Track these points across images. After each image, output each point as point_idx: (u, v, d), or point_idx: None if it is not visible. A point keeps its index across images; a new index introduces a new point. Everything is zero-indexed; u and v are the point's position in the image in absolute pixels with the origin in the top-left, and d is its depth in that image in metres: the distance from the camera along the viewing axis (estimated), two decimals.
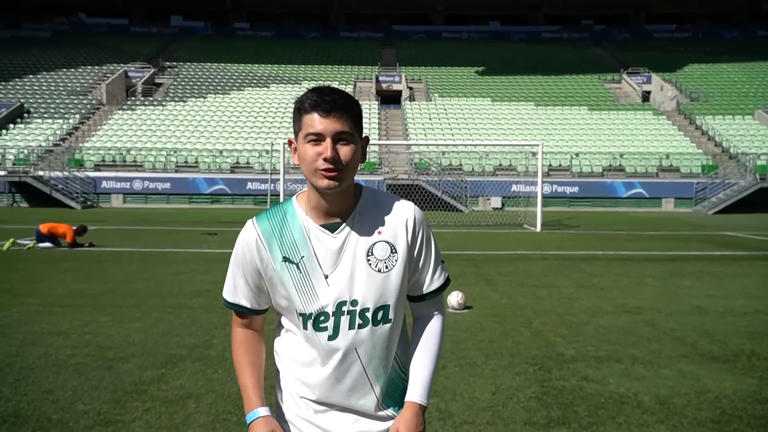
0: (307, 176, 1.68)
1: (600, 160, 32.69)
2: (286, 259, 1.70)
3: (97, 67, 42.70)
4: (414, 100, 40.85)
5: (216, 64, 45.14)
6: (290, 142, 1.76)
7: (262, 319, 1.89)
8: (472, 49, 49.69)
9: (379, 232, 1.72)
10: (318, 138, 1.64)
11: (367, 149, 1.81)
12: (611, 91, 42.40)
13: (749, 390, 4.70)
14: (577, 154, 33.17)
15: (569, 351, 5.72)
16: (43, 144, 32.48)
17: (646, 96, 42.06)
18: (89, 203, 29.76)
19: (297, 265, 1.69)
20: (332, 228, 1.71)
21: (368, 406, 1.76)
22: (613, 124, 36.92)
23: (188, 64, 45.43)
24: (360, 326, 1.70)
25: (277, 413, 1.86)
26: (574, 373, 5.07)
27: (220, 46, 49.20)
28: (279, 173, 20.61)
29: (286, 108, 38.42)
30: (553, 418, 4.13)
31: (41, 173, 29.13)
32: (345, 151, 1.66)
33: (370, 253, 1.70)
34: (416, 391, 1.76)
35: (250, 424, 1.79)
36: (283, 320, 1.83)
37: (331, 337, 1.70)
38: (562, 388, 4.71)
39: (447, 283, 1.86)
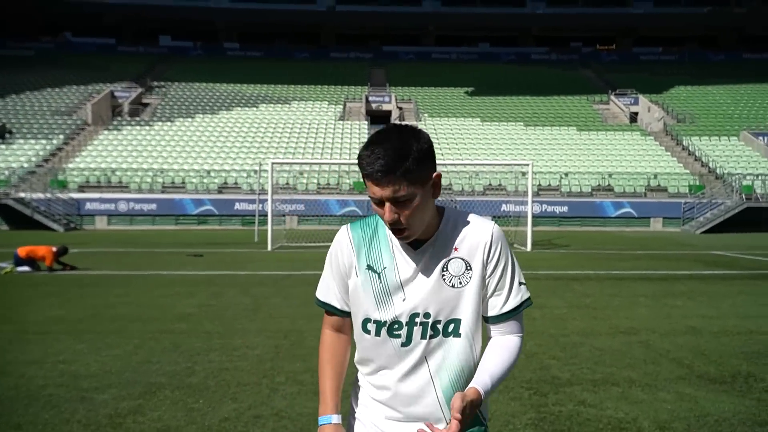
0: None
1: (589, 180, 32.76)
2: (369, 267, 1.80)
3: (82, 87, 42.46)
4: (404, 120, 40.89)
5: (205, 84, 45.05)
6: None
7: (350, 324, 1.94)
8: (462, 70, 49.96)
9: (456, 249, 1.79)
10: (380, 202, 1.71)
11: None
12: (599, 112, 42.68)
13: (748, 412, 4.56)
14: (566, 174, 33.23)
15: (564, 374, 5.55)
16: (26, 165, 32.02)
17: (633, 117, 42.37)
18: (72, 225, 29.36)
19: (379, 274, 1.79)
20: (415, 246, 1.79)
21: (430, 412, 1.80)
22: (601, 144, 37.09)
23: (176, 83, 45.31)
24: (431, 336, 1.78)
25: (350, 413, 1.96)
26: (571, 398, 4.89)
27: (209, 66, 49.16)
28: (267, 194, 20.39)
29: (275, 127, 38.32)
30: None
31: (23, 195, 28.68)
32: (405, 212, 1.70)
33: (445, 269, 1.77)
34: (482, 378, 1.75)
35: (320, 426, 1.88)
36: (362, 330, 1.87)
37: (404, 344, 1.79)
38: (559, 414, 4.53)
39: (524, 303, 1.87)
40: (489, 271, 1.80)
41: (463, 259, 1.79)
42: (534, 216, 21.56)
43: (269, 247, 18.61)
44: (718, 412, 4.56)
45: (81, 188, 30.83)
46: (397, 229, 1.72)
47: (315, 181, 32.24)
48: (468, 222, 1.84)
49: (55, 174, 31.47)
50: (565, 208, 31.57)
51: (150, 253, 17.52)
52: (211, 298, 9.62)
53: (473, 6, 55.37)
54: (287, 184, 31.49)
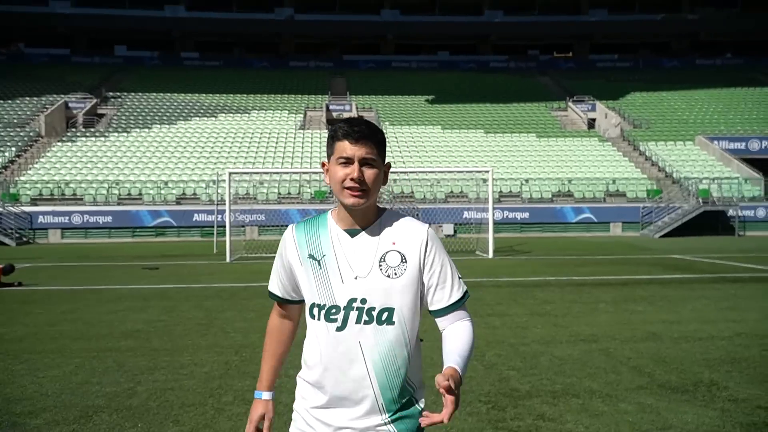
0: (336, 194, 1.92)
1: (549, 186, 33.03)
2: (311, 256, 1.95)
3: (35, 98, 41.25)
4: None
5: (162, 94, 44.22)
6: (323, 165, 2.01)
7: (297, 312, 2.14)
8: (422, 78, 50.12)
9: (394, 243, 1.93)
10: (347, 161, 1.88)
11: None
12: (558, 119, 43.18)
13: (712, 423, 4.44)
14: (527, 180, 33.46)
15: (524, 386, 5.38)
16: None
17: (591, 123, 42.98)
18: (25, 239, 28.38)
19: (318, 262, 1.93)
20: (352, 233, 1.94)
21: (361, 397, 1.89)
22: (561, 150, 37.48)
23: (133, 94, 44.38)
24: (366, 322, 1.88)
25: (294, 414, 2.06)
26: (530, 411, 4.72)
27: (166, 75, 48.31)
28: (225, 204, 19.97)
29: (234, 137, 37.76)
30: None
31: None
32: (369, 173, 1.89)
33: (382, 260, 1.91)
34: (454, 358, 1.86)
35: (253, 401, 2.09)
36: (307, 319, 2.01)
37: (339, 329, 1.89)
38: (517, 429, 4.36)
39: (466, 294, 2.03)
40: (429, 268, 1.95)
41: (399, 252, 1.93)
42: (496, 222, 21.58)
43: (228, 259, 18.19)
44: (681, 424, 4.44)
45: (34, 201, 29.85)
46: (358, 189, 1.87)
47: (275, 190, 31.81)
48: (405, 221, 2.00)
49: (6, 187, 30.43)
50: (526, 215, 31.75)
51: (104, 266, 16.95)
52: (163, 312, 9.25)
53: (432, 15, 55.67)
54: (247, 194, 31.01)
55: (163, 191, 31.13)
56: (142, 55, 53.69)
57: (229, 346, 6.95)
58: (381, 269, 1.91)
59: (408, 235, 1.95)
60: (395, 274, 1.91)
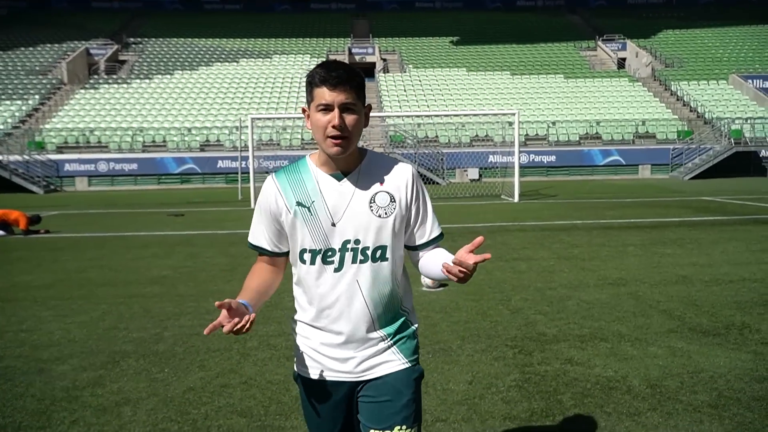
0: (319, 141, 1.92)
1: (576, 129, 32.36)
2: (299, 204, 1.95)
3: (57, 45, 41.17)
4: (388, 72, 40.08)
5: (183, 39, 43.80)
6: (304, 110, 1.98)
7: (283, 262, 2.12)
8: (446, 19, 48.86)
9: (381, 184, 1.98)
10: (327, 108, 1.87)
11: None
12: (587, 59, 41.97)
13: (744, 367, 4.32)
14: (553, 123, 32.80)
15: (551, 330, 5.30)
16: (1, 127, 31.20)
17: (621, 63, 41.73)
18: (52, 187, 28.77)
19: (308, 208, 1.94)
20: (338, 177, 1.96)
21: (363, 329, 1.97)
22: (589, 91, 36.55)
23: (153, 39, 44.03)
24: (362, 261, 1.95)
25: (294, 349, 2.12)
26: (557, 356, 4.65)
27: (186, 20, 47.76)
28: (249, 150, 19.89)
29: (256, 83, 37.44)
30: (536, 411, 3.71)
31: (0, 158, 27.99)
32: (350, 119, 1.88)
33: (372, 201, 1.95)
34: (447, 256, 1.99)
35: None
36: (298, 263, 2.02)
37: (336, 270, 1.95)
38: (545, 374, 4.29)
39: (442, 234, 2.12)
40: (414, 206, 2.02)
41: (388, 193, 1.98)
42: (521, 166, 21.29)
43: (252, 205, 18.23)
44: (712, 368, 4.33)
45: (59, 149, 30.12)
46: (339, 136, 1.86)
47: (299, 136, 31.65)
48: (389, 162, 2.04)
49: (32, 135, 30.70)
50: (552, 158, 31.26)
51: (130, 213, 17.12)
52: (188, 259, 9.30)
53: None
54: (270, 140, 30.91)
55: (186, 138, 31.16)
56: (162, 0, 52.98)
57: None
58: (372, 209, 1.95)
59: (395, 175, 2.01)
60: (386, 213, 1.96)
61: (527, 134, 31.62)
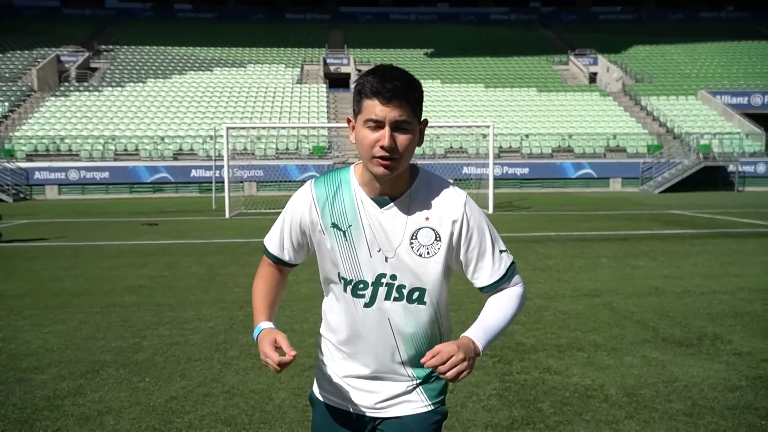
0: (364, 160, 1.70)
1: (549, 141, 32.82)
2: (334, 225, 1.76)
3: (27, 52, 40.51)
4: None
5: (156, 48, 43.44)
6: (349, 120, 1.78)
7: (289, 271, 2.01)
8: (421, 31, 49.28)
9: (427, 219, 1.76)
10: (377, 125, 1.65)
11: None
12: (559, 73, 42.65)
13: (717, 377, 4.45)
14: (527, 136, 33.22)
15: (529, 340, 5.40)
16: None
17: (593, 77, 42.50)
18: (22, 195, 28.25)
19: (344, 233, 1.75)
20: (381, 203, 1.75)
21: (390, 367, 1.82)
22: (561, 105, 37.13)
23: (126, 47, 43.59)
24: (396, 299, 1.76)
25: (317, 365, 1.99)
26: (536, 365, 4.74)
27: (160, 28, 47.40)
28: (223, 159, 19.80)
29: (230, 92, 37.28)
30: (516, 419, 3.78)
31: None
32: (402, 139, 1.66)
33: (414, 237, 1.74)
34: (477, 330, 1.76)
35: (256, 338, 1.81)
36: (327, 284, 1.89)
37: (367, 305, 1.78)
38: (524, 383, 4.37)
39: (510, 269, 1.86)
40: (464, 247, 1.79)
41: (433, 230, 1.76)
42: (495, 178, 21.49)
43: (227, 215, 18.14)
44: (686, 377, 4.45)
45: (29, 157, 29.62)
46: (388, 158, 1.65)
47: (273, 146, 31.57)
48: (440, 190, 1.79)
49: (1, 143, 30.13)
50: (526, 170, 31.64)
51: (102, 222, 16.90)
52: (164, 268, 9.23)
53: None
54: (245, 149, 30.77)
55: (159, 147, 30.87)
56: (135, 7, 52.66)
57: (232, 302, 6.95)
58: (413, 247, 1.75)
59: (442, 210, 1.77)
60: (428, 253, 1.75)
61: (501, 146, 31.98)
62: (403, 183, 1.76)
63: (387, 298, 1.77)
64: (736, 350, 5.06)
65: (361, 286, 1.78)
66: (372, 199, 1.76)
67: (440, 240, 1.76)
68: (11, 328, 5.88)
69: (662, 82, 39.88)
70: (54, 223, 16.86)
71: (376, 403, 1.86)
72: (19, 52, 40.58)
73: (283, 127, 32.26)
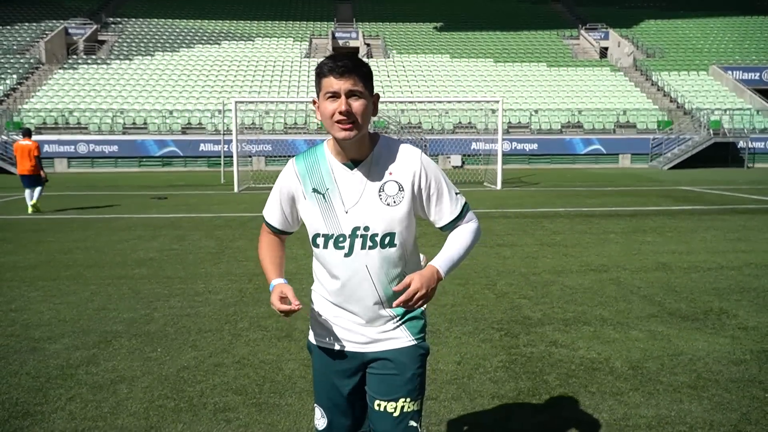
0: (328, 128, 2.01)
1: (559, 117, 32.59)
2: (315, 190, 2.07)
3: (35, 24, 40.41)
4: (371, 57, 39.96)
5: (163, 20, 43.22)
6: (314, 102, 2.08)
7: (285, 237, 2.32)
8: (431, 5, 48.70)
9: (390, 173, 2.05)
10: (334, 95, 1.96)
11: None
12: (569, 48, 42.18)
13: (722, 351, 4.48)
14: (536, 111, 33.00)
15: (536, 314, 5.44)
16: None
17: (603, 52, 42.00)
18: None
19: (323, 195, 2.06)
20: (350, 167, 2.05)
21: (373, 308, 2.09)
22: (571, 80, 36.78)
23: (133, 20, 43.38)
24: (370, 247, 2.04)
25: (311, 322, 2.26)
26: (542, 338, 4.78)
27: (167, 0, 47.06)
28: (232, 134, 19.80)
29: (238, 66, 37.13)
30: (523, 390, 3.83)
31: None
32: (357, 105, 1.96)
33: (381, 190, 2.03)
34: (438, 260, 2.08)
35: (271, 290, 2.14)
36: (314, 242, 2.13)
37: (346, 255, 2.05)
38: (531, 355, 4.41)
39: (464, 207, 2.17)
40: (425, 192, 2.09)
41: (396, 182, 2.05)
42: (504, 154, 21.43)
43: (236, 189, 18.20)
44: (691, 351, 4.49)
45: (38, 130, 29.64)
46: (347, 122, 1.95)
47: (281, 120, 31.51)
48: (399, 149, 2.10)
49: (10, 115, 30.20)
50: (534, 146, 31.49)
51: (112, 196, 16.99)
52: (174, 241, 9.31)
53: None
54: (253, 123, 30.75)
55: (168, 120, 30.87)
56: None
57: (242, 274, 7.02)
58: (381, 198, 2.04)
59: (402, 164, 2.07)
60: (394, 202, 2.04)
61: (510, 122, 31.79)
62: (366, 148, 2.07)
63: (363, 247, 2.05)
64: (742, 325, 5.09)
65: (341, 239, 2.06)
66: (342, 164, 2.06)
67: (403, 190, 2.06)
68: (23, 299, 5.97)
69: (673, 57, 39.42)
70: (64, 196, 16.95)
71: (365, 342, 2.13)
72: (27, 24, 40.47)
73: (292, 102, 32.15)
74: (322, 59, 2.01)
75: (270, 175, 21.74)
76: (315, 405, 2.28)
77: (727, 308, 5.57)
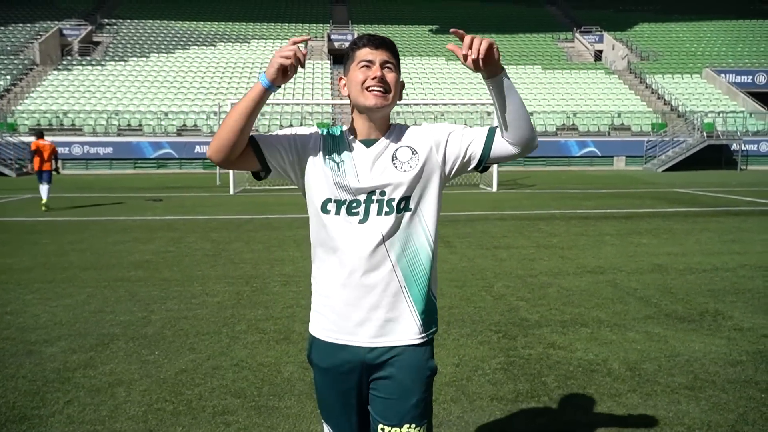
0: (356, 97, 1.98)
1: (554, 119, 32.68)
2: (331, 158, 2.01)
3: (29, 25, 40.29)
4: None
5: (159, 22, 43.16)
6: (340, 79, 2.08)
7: (249, 162, 2.06)
8: (426, 8, 48.81)
9: (403, 142, 2.05)
10: (369, 64, 1.96)
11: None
12: (564, 50, 42.31)
13: (719, 352, 4.50)
14: (531, 113, 32.99)
15: (533, 315, 5.45)
16: None
17: (598, 55, 42.15)
18: (24, 170, 28.26)
19: (338, 164, 2.00)
20: (368, 143, 2.03)
21: (387, 280, 1.97)
22: (566, 83, 36.90)
23: (128, 21, 43.30)
24: (387, 213, 1.96)
25: (312, 313, 2.12)
26: (540, 340, 4.79)
27: (162, 2, 47.00)
28: None
29: (234, 67, 37.09)
30: (521, 392, 3.84)
31: None
32: (390, 76, 1.98)
33: (395, 157, 2.00)
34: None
35: (264, 77, 1.94)
36: (323, 207, 2.01)
37: (361, 221, 1.96)
38: (529, 357, 4.42)
39: (493, 129, 2.05)
40: (451, 139, 2.03)
41: (410, 147, 2.02)
42: None
43: (231, 191, 18.17)
44: (688, 352, 4.50)
45: (32, 131, 29.53)
46: (380, 88, 1.94)
47: (277, 122, 31.49)
48: (410, 127, 2.10)
49: (4, 117, 30.09)
50: None
51: (107, 198, 16.95)
52: (170, 244, 9.29)
53: None
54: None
55: (163, 122, 30.81)
56: None
57: (239, 277, 7.01)
58: (395, 165, 1.99)
59: (416, 134, 2.06)
60: (409, 166, 1.99)
61: None
62: (385, 126, 2.05)
63: (379, 213, 1.97)
64: (737, 326, 5.11)
65: (354, 204, 1.98)
66: (360, 141, 2.03)
67: (417, 153, 2.01)
68: (19, 302, 5.95)
69: (668, 60, 39.59)
70: (58, 197, 16.87)
71: (370, 333, 1.98)
72: (21, 25, 40.35)
73: (287, 104, 32.14)
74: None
75: None
76: (323, 423, 2.15)
77: (723, 309, 5.59)
